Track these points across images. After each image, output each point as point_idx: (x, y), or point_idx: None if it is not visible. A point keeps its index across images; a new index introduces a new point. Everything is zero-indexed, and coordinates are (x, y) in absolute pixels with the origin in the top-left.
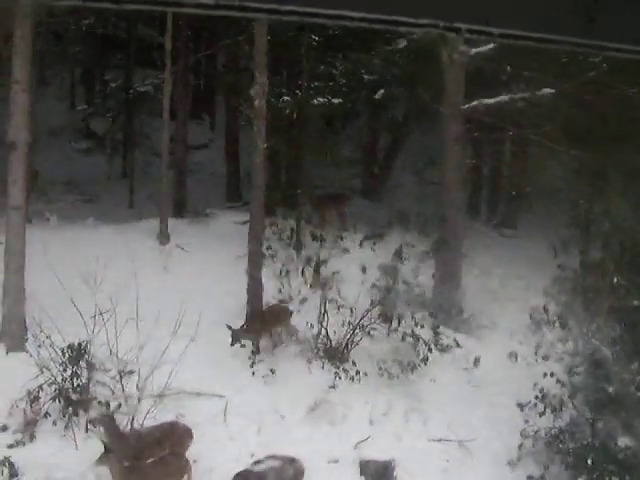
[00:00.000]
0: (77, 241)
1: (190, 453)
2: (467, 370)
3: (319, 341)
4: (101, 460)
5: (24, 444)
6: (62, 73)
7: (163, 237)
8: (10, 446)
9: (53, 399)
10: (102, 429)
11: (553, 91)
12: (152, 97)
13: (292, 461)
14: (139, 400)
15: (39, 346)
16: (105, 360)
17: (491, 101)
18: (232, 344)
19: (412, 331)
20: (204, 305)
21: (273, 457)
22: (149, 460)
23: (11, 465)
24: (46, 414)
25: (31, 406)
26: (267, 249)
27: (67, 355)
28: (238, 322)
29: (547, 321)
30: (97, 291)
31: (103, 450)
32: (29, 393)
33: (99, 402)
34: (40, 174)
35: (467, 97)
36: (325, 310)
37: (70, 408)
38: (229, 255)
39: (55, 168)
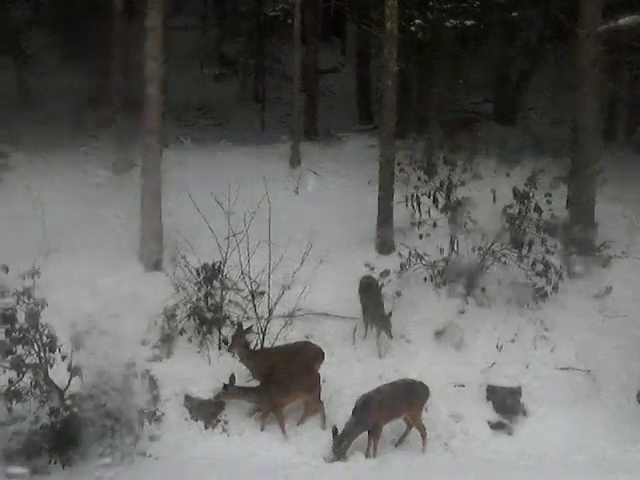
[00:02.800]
0: (210, 163)
1: (320, 372)
2: (598, 299)
3: (448, 266)
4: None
5: (161, 359)
6: None
7: (295, 160)
8: (149, 360)
9: (188, 317)
10: (235, 346)
11: None
12: (282, 22)
13: (418, 384)
14: (270, 320)
15: (175, 266)
16: (238, 281)
17: (630, 21)
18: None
19: (543, 258)
20: (334, 228)
21: (400, 380)
22: (278, 376)
23: (151, 378)
24: (182, 331)
25: (168, 323)
26: (399, 172)
27: (202, 275)
28: (368, 247)
29: None
30: (230, 212)
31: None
32: (166, 311)
33: (232, 321)
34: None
35: (604, 17)
36: (455, 235)
37: (204, 326)
38: (360, 179)
39: (188, 93)
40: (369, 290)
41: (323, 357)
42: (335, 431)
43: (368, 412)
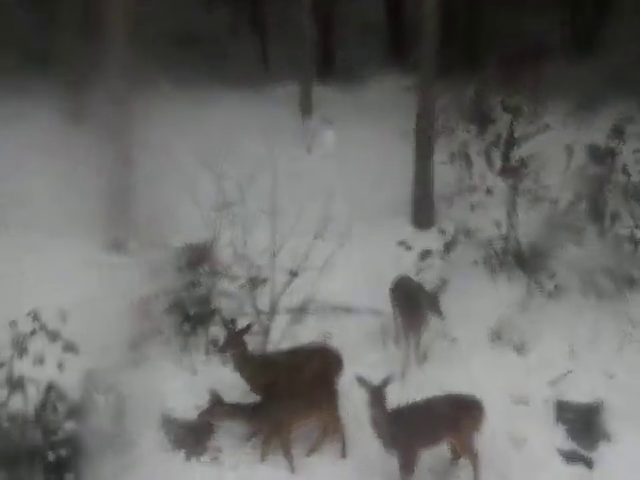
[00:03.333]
0: (196, 114)
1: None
2: None
3: (507, 245)
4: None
5: (131, 367)
6: None
7: (305, 108)
8: (115, 369)
9: (166, 312)
10: (228, 349)
11: None
12: None
13: (469, 399)
14: (273, 315)
15: (149, 246)
16: (231, 265)
17: None
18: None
19: (631, 234)
20: (358, 196)
21: (444, 395)
22: (284, 389)
23: (117, 393)
24: (158, 331)
25: (140, 321)
26: (442, 123)
27: (184, 258)
28: (402, 220)
29: None
30: (222, 177)
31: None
32: (136, 304)
33: (223, 318)
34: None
35: None
36: (516, 204)
37: (187, 324)
38: (391, 132)
39: (168, 23)
40: (407, 298)
41: (343, 364)
42: None
43: (397, 436)
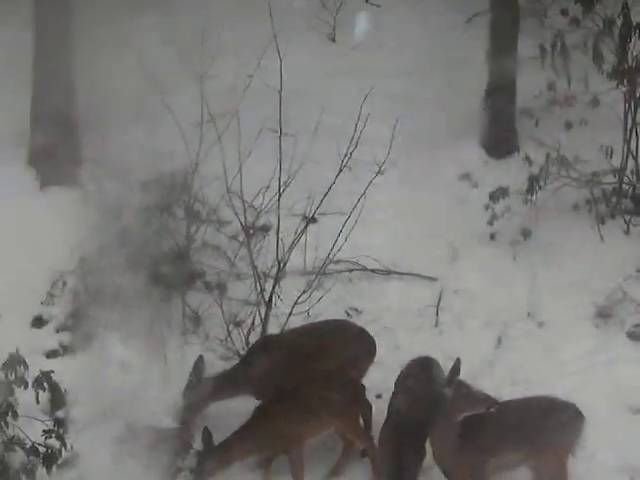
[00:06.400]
0: None
1: (370, 379)
2: None
3: (622, 182)
4: None
5: (74, 352)
6: None
7: None
8: (49, 354)
9: (125, 272)
10: None
11: None
12: None
13: (561, 406)
14: (279, 279)
15: (101, 177)
16: (219, 206)
17: None
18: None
19: None
20: (403, 106)
21: (524, 399)
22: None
23: (54, 387)
24: (113, 299)
25: (86, 284)
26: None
27: (152, 195)
28: (468, 142)
29: None
30: (205, 76)
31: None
32: (83, 260)
33: (206, 282)
34: None
35: None
36: (636, 123)
37: (156, 290)
38: (450, 12)
39: None
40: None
41: (374, 350)
42: None
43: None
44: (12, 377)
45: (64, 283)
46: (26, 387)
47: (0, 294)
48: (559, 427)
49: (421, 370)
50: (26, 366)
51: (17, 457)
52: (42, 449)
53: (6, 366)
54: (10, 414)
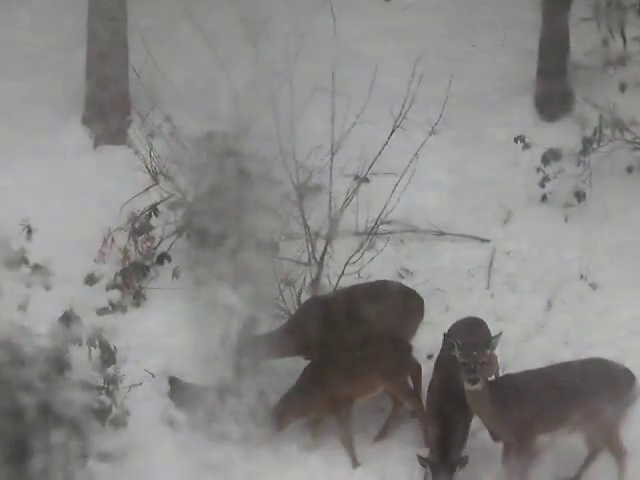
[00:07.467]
0: None
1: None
2: None
3: None
4: None
5: (125, 310)
6: None
7: None
8: (101, 312)
9: (176, 233)
10: None
11: None
12: None
13: (616, 370)
14: (331, 240)
15: (152, 136)
16: (270, 166)
17: None
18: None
19: None
20: (455, 63)
21: (576, 361)
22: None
23: (104, 345)
24: (163, 258)
25: (137, 243)
26: None
27: (204, 153)
28: (521, 102)
29: None
30: (258, 37)
31: None
32: (134, 218)
33: (258, 241)
34: None
35: None
36: None
37: (206, 250)
38: None
39: None
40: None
41: (423, 310)
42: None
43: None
44: (67, 334)
45: (112, 240)
46: (80, 344)
47: (54, 251)
48: (612, 391)
49: (467, 330)
50: (80, 323)
51: (70, 413)
52: (95, 404)
53: (61, 323)
54: (64, 371)
